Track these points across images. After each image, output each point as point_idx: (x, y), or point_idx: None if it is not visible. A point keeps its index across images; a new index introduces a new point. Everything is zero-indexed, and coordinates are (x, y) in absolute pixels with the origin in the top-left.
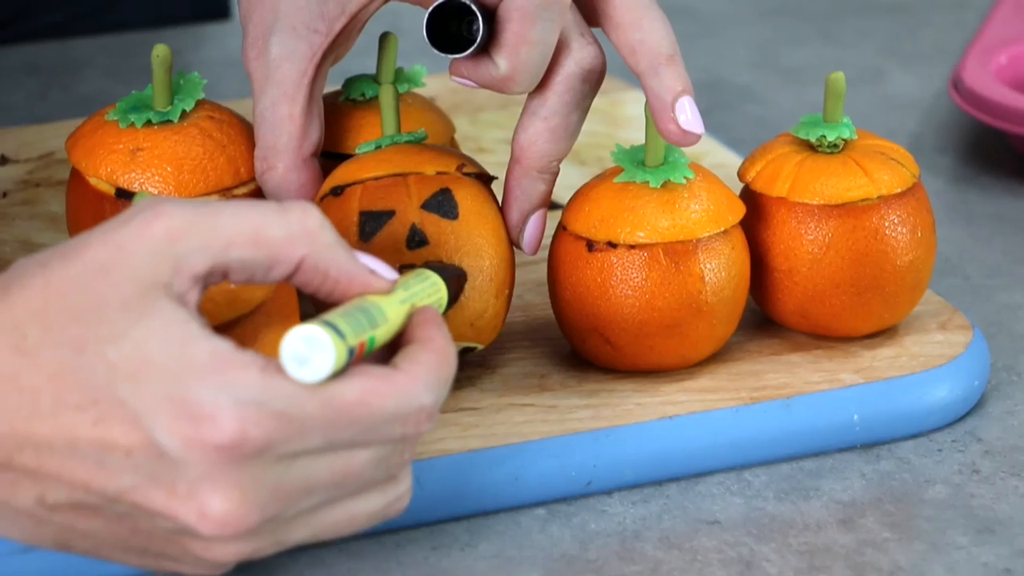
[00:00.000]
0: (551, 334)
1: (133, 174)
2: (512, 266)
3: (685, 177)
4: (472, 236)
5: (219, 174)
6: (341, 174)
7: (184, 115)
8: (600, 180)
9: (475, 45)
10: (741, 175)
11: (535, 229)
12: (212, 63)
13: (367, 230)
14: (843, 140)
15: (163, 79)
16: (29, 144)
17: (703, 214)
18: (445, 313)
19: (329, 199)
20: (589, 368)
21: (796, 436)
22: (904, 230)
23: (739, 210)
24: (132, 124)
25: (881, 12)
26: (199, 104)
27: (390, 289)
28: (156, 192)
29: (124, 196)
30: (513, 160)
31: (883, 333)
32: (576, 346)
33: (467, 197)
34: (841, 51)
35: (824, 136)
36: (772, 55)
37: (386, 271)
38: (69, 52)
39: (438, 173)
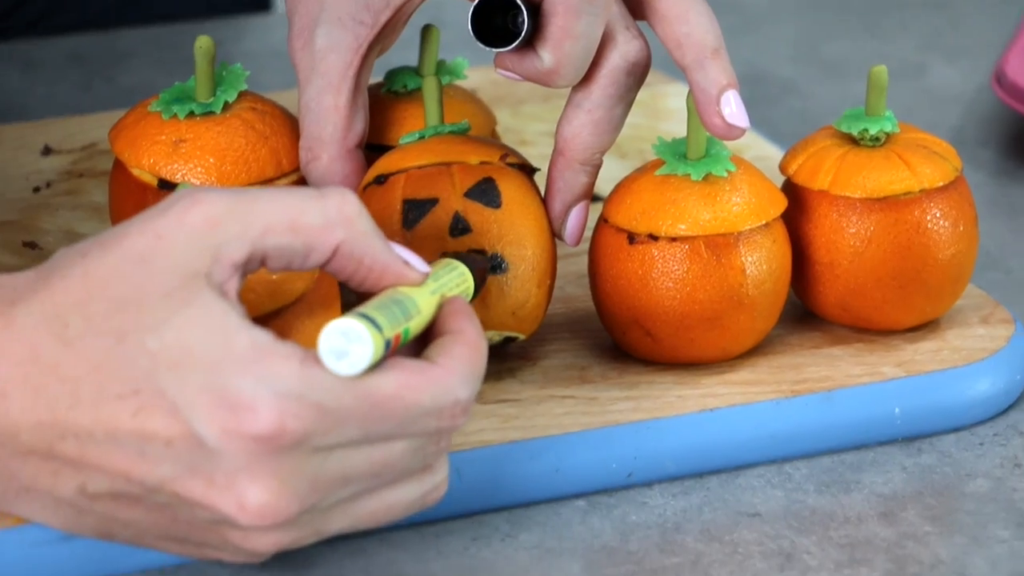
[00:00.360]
0: (592, 326)
1: (176, 165)
2: (554, 257)
3: (727, 170)
4: (515, 225)
5: (261, 165)
6: (384, 163)
7: (227, 106)
8: (641, 173)
9: (520, 39)
10: (783, 168)
11: (577, 220)
12: (255, 54)
13: (410, 218)
14: (885, 134)
15: (206, 70)
16: (72, 135)
17: (744, 207)
18: (472, 302)
19: (372, 187)
20: (629, 360)
21: (837, 429)
22: (946, 224)
23: (780, 203)
24: (175, 115)
25: (923, 6)
26: (242, 95)
27: (422, 281)
28: (198, 183)
29: (167, 187)
30: (556, 152)
31: (925, 327)
32: (617, 338)
33: (510, 187)
34: (883, 44)
35: (866, 130)
36: (814, 49)
37: (419, 263)
38: (113, 43)
39: (481, 163)
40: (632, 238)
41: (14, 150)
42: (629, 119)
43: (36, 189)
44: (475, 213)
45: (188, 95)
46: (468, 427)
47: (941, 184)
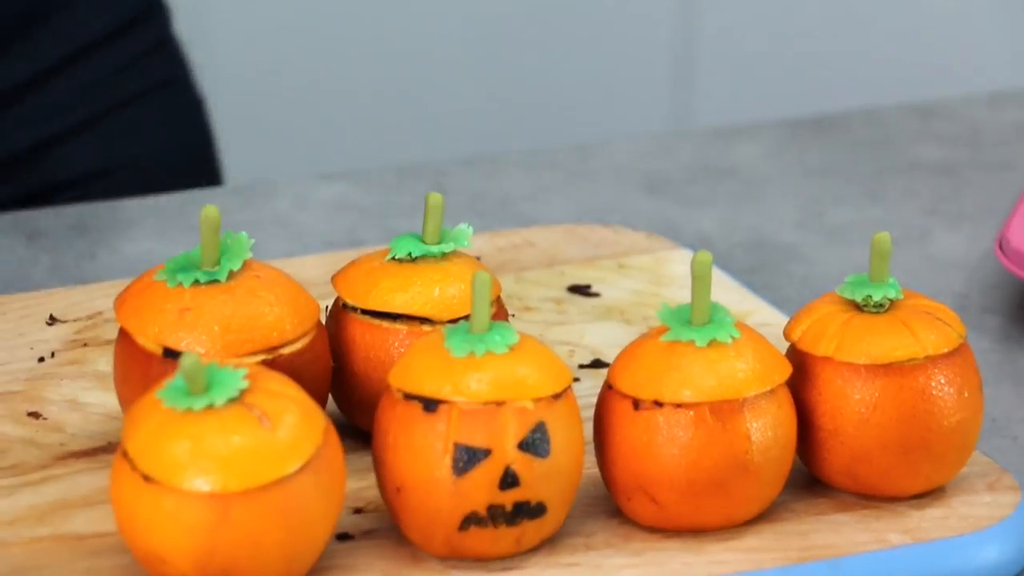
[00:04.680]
0: (596, 492)
1: (180, 333)
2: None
3: (731, 336)
4: (560, 474)
5: (265, 333)
6: (435, 377)
7: (232, 275)
8: (646, 338)
9: None
10: (787, 334)
11: None
12: (258, 222)
13: (460, 465)
14: (889, 300)
15: (211, 239)
16: (77, 304)
17: (749, 373)
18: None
19: (421, 412)
20: (634, 527)
21: None
22: (951, 390)
23: (785, 369)
24: (180, 284)
25: (926, 172)
26: (246, 264)
27: None
28: (203, 351)
29: (172, 355)
30: None
31: (931, 493)
32: (622, 505)
33: (559, 428)
34: (886, 211)
35: (870, 296)
36: (817, 215)
37: None
38: (116, 213)
39: (536, 400)
40: (637, 404)
41: (18, 320)
42: (633, 285)
43: (41, 359)
44: (525, 466)
45: (193, 264)
46: None
47: (945, 350)
